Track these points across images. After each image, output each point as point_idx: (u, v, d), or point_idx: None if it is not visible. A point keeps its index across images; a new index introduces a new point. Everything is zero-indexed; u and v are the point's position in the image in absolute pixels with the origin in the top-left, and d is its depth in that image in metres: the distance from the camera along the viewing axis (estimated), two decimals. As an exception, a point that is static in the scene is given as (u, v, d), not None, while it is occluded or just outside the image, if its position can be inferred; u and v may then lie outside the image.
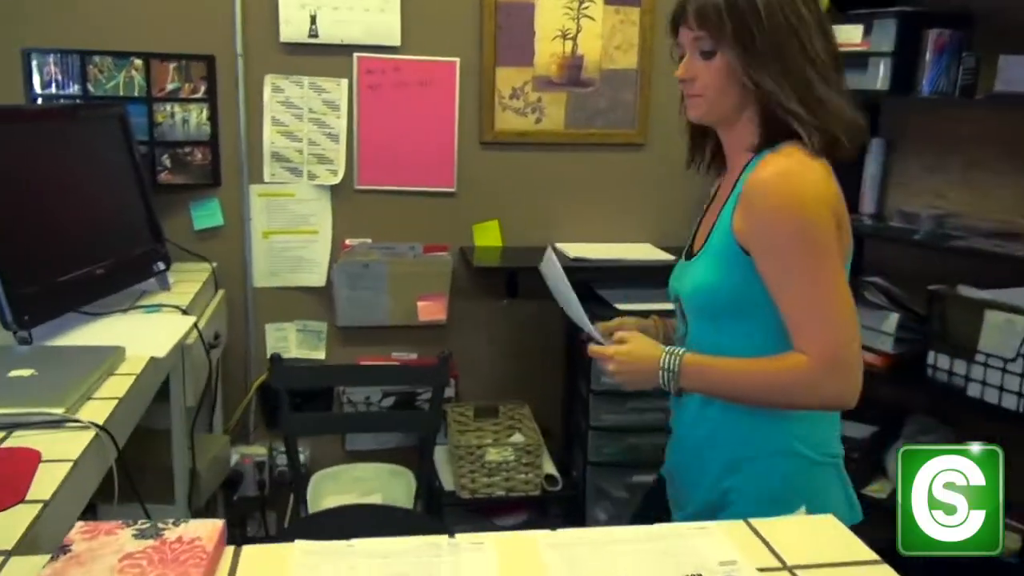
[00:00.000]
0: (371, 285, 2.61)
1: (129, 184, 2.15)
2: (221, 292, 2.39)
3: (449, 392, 2.72)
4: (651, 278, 1.95)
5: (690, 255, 1.38)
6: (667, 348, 1.31)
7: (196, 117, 2.48)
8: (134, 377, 1.50)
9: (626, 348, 1.34)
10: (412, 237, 2.63)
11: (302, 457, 2.51)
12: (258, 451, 2.62)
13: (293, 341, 2.68)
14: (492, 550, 0.94)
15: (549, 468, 2.59)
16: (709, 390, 1.31)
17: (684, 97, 1.33)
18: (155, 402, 1.72)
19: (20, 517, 1.00)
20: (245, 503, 2.62)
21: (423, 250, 2.64)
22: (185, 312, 1.97)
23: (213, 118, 2.49)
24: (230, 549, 0.93)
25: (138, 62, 2.41)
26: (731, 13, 1.22)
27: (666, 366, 1.29)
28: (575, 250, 2.62)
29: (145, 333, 1.78)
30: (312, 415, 2.54)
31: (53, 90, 2.39)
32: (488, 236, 2.71)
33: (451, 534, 0.98)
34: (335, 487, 2.43)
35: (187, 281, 2.23)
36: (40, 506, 1.03)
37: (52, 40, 2.37)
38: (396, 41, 2.54)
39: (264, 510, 2.70)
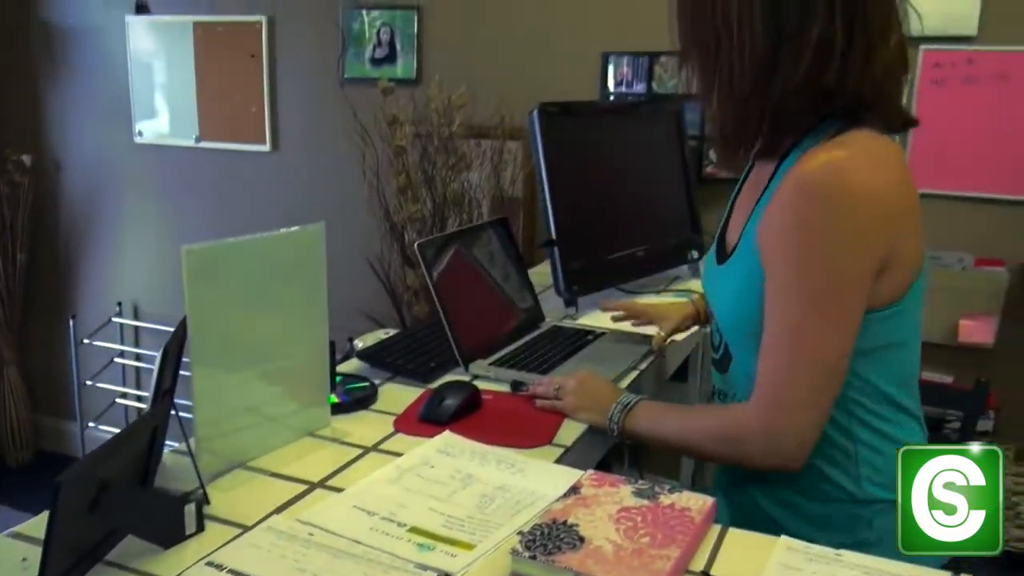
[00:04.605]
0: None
1: (676, 176, 2.29)
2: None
3: (985, 425, 2.41)
4: None
5: (723, 255, 1.17)
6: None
7: (745, 114, 2.55)
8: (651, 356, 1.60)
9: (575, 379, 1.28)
10: (962, 247, 2.39)
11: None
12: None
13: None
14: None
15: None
16: (654, 429, 1.17)
17: None
18: (675, 382, 1.83)
19: (546, 455, 1.16)
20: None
21: (973, 263, 2.37)
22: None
23: (761, 115, 2.53)
24: (716, 527, 0.96)
25: (697, 61, 2.56)
26: None
27: (622, 400, 1.20)
28: None
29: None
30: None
31: (623, 88, 2.66)
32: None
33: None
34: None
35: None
36: (561, 451, 1.17)
37: (625, 45, 2.64)
38: (972, 31, 2.31)
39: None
